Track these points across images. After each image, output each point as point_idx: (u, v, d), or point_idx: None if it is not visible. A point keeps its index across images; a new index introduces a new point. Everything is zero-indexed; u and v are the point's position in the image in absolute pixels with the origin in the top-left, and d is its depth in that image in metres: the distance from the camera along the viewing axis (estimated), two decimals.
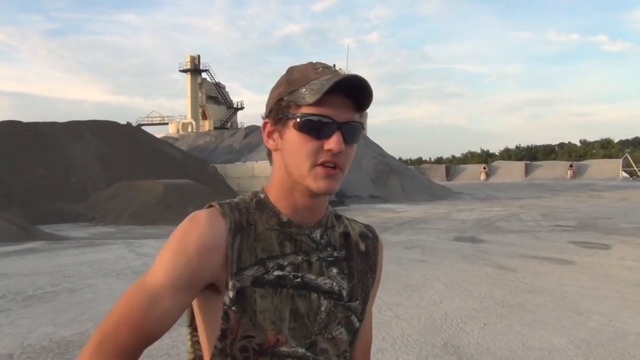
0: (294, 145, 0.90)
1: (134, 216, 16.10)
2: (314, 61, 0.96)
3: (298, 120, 0.89)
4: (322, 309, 0.95)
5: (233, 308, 0.88)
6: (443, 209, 20.69)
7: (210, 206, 0.94)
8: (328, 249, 0.99)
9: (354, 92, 0.89)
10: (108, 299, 6.17)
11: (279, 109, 0.92)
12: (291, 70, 0.95)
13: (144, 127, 39.75)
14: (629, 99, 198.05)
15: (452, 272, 7.78)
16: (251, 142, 33.54)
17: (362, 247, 1.06)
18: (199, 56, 53.29)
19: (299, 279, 0.93)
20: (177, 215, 15.67)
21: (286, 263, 0.93)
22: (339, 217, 1.06)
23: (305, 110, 0.89)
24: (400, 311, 5.62)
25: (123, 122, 30.49)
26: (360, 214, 18.22)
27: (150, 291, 0.87)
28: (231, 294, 0.88)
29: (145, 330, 0.87)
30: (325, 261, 0.97)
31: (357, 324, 1.01)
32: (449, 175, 58.41)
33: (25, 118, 34.90)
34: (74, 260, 9.23)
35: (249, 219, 0.94)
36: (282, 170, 0.94)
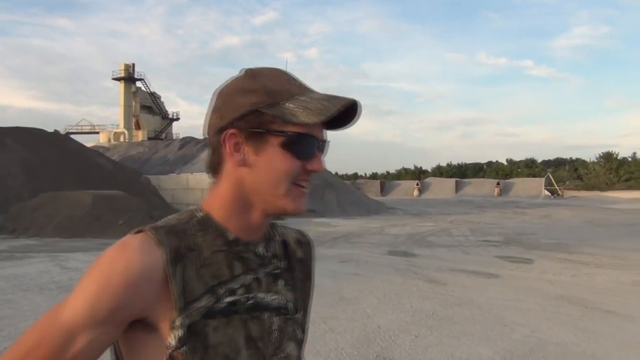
0: (275, 163, 0.84)
1: (59, 228, 15.35)
2: (273, 66, 0.91)
3: (286, 138, 0.83)
4: (274, 327, 0.90)
5: (183, 349, 0.79)
6: (377, 223, 21.05)
7: (141, 231, 0.83)
8: (273, 261, 0.94)
9: (342, 115, 0.85)
10: (30, 315, 5.84)
11: (257, 122, 0.83)
12: (257, 75, 0.86)
13: (73, 136, 38.17)
14: (551, 122, 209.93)
15: (385, 285, 7.92)
16: (186, 153, 32.89)
17: (300, 254, 1.03)
18: (133, 64, 52.04)
19: (251, 301, 0.87)
20: (106, 227, 15.09)
21: (237, 286, 0.86)
22: (273, 225, 1.01)
23: (293, 128, 0.83)
24: (334, 324, 5.66)
25: (51, 129, 29.18)
26: (297, 228, 18.21)
27: (64, 327, 0.77)
28: (179, 333, 0.79)
29: None
30: (272, 275, 0.93)
31: (301, 336, 0.98)
32: (383, 190, 59.54)
33: None
34: None
35: (189, 244, 0.83)
36: (240, 187, 0.86)
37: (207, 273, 0.83)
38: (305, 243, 1.06)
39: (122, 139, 48.08)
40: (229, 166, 0.87)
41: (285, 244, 1.00)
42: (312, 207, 26.65)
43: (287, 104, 0.83)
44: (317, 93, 0.86)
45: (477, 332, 5.48)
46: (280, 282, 0.94)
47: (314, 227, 18.60)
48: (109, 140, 48.03)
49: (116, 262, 0.77)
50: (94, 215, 15.80)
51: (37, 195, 18.10)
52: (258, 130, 0.84)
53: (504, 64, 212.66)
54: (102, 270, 0.78)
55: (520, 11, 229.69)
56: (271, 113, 0.83)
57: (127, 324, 0.80)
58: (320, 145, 0.87)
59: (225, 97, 0.87)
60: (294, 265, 1.00)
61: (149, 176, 28.19)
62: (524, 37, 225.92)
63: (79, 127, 54.53)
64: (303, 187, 0.87)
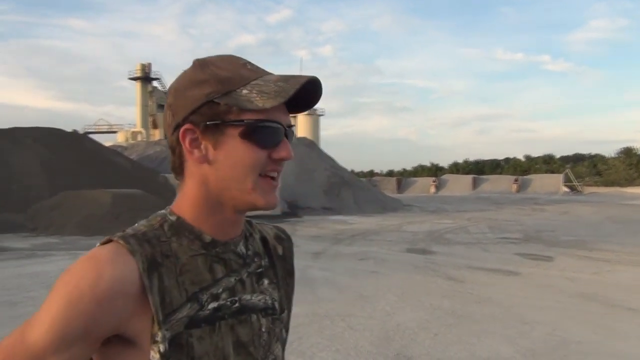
0: (236, 156, 0.78)
1: (79, 227, 15.55)
2: (227, 54, 0.84)
3: (245, 127, 0.77)
4: (263, 329, 0.86)
5: None
6: (394, 221, 20.98)
7: (110, 240, 0.76)
8: (255, 260, 0.89)
9: (302, 95, 0.80)
10: None
11: (212, 113, 0.77)
12: (206, 65, 0.80)
13: (91, 135, 38.63)
14: (569, 117, 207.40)
15: (404, 283, 7.89)
16: None
17: (280, 250, 0.97)
18: (149, 64, 52.48)
19: (236, 304, 0.82)
20: (125, 226, 15.04)
21: (220, 290, 0.80)
22: (250, 223, 0.95)
23: (251, 115, 0.77)
24: (353, 322, 5.65)
25: (69, 129, 29.53)
26: (313, 226, 18.25)
27: (30, 350, 0.72)
28: (162, 347, 0.73)
29: None
30: (255, 274, 0.88)
31: (285, 336, 0.94)
32: (400, 187, 59.30)
33: None
34: (14, 272, 8.83)
35: (163, 250, 0.77)
36: (206, 185, 0.80)
37: (187, 280, 0.77)
38: (284, 239, 1.01)
39: (139, 138, 48.55)
40: (190, 165, 0.81)
41: (264, 241, 0.95)
42: (329, 204, 26.65)
43: (241, 91, 0.77)
44: (273, 75, 0.81)
45: (497, 330, 5.44)
46: (265, 281, 0.89)
47: (330, 225, 18.61)
48: (127, 140, 48.54)
49: (85, 277, 0.71)
50: (114, 213, 15.97)
51: (56, 194, 18.35)
52: (214, 122, 0.78)
53: (520, 59, 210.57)
54: (70, 285, 0.71)
55: (536, 5, 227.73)
56: (225, 102, 0.77)
57: (102, 340, 0.74)
58: (287, 131, 0.81)
59: (176, 92, 0.81)
60: (276, 262, 0.95)
61: (167, 175, 28.38)
62: (540, 31, 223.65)
63: (97, 127, 55.17)
64: (273, 178, 0.81)
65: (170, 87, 0.84)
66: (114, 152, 29.18)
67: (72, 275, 0.72)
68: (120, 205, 16.41)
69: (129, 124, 54.21)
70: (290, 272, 0.99)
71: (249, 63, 0.82)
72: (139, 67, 52.23)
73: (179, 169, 0.83)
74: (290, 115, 0.84)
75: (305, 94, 0.80)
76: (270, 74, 0.82)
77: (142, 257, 0.74)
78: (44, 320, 0.71)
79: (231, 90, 0.77)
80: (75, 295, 0.70)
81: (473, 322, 5.75)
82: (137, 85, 52.41)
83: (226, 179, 0.79)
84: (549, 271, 9.19)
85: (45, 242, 13.87)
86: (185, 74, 0.82)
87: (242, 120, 0.77)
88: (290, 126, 0.83)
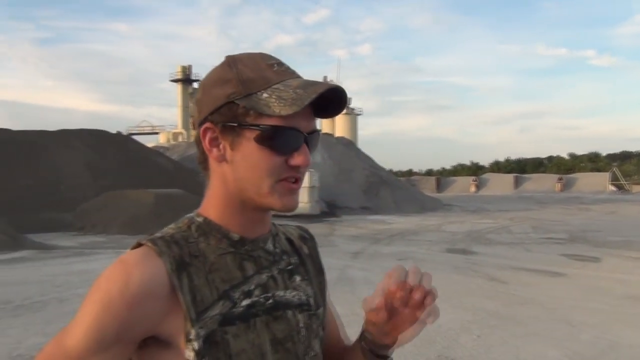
0: (252, 159, 0.77)
1: (124, 226, 15.97)
2: (259, 52, 0.84)
3: (261, 132, 0.76)
4: (301, 325, 0.85)
5: None
6: (434, 220, 20.74)
7: (140, 245, 0.78)
8: (284, 258, 0.89)
9: (326, 101, 0.78)
10: None
11: (231, 115, 0.77)
12: (235, 63, 0.80)
13: (134, 137, 39.65)
14: (616, 113, 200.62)
15: (444, 283, 7.78)
16: None
17: (306, 250, 0.96)
18: (190, 66, 53.49)
19: (270, 300, 0.82)
20: (167, 225, 15.54)
21: (253, 287, 0.80)
22: (273, 224, 0.94)
23: (269, 121, 0.76)
24: None
25: (113, 131, 30.38)
26: (352, 225, 18.22)
27: (69, 355, 0.74)
28: (196, 345, 0.74)
29: None
30: (286, 271, 0.87)
31: (322, 334, 0.92)
32: (439, 187, 58.56)
33: (15, 126, 34.66)
34: (63, 269, 9.14)
35: (191, 251, 0.79)
36: (230, 184, 0.81)
37: (217, 278, 0.78)
38: (308, 239, 1.00)
39: (180, 139, 49.48)
40: (212, 162, 0.82)
41: (290, 241, 0.94)
42: (367, 204, 26.57)
43: (262, 94, 0.76)
44: (297, 79, 0.79)
45: (542, 332, 5.30)
46: (297, 278, 0.89)
47: (369, 225, 18.54)
48: (168, 141, 49.56)
49: (115, 281, 0.72)
50: (156, 213, 16.32)
51: (101, 194, 18.90)
52: (233, 124, 0.77)
53: (563, 55, 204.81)
54: (101, 291, 0.73)
55: None
56: (244, 105, 0.76)
57: (138, 342, 0.76)
58: (307, 138, 0.79)
59: (204, 88, 0.81)
60: (305, 260, 0.94)
61: None
62: (584, 25, 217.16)
63: (140, 128, 56.58)
64: (293, 182, 0.80)
65: (200, 82, 0.85)
66: (156, 152, 29.86)
67: (103, 280, 0.74)
68: (162, 205, 16.76)
69: (171, 125, 55.41)
70: (319, 270, 0.98)
71: (278, 64, 0.81)
72: (179, 69, 53.30)
73: (204, 163, 0.84)
74: (322, 119, 0.83)
75: (330, 100, 0.78)
76: (296, 77, 0.80)
77: (170, 258, 0.75)
78: (79, 326, 0.73)
79: (252, 93, 0.76)
80: (106, 301, 0.72)
81: (517, 323, 5.62)
82: (178, 87, 53.49)
83: (243, 180, 0.79)
84: (596, 272, 8.91)
85: (92, 240, 14.31)
86: (214, 70, 0.82)
87: (259, 125, 0.76)
88: (313, 132, 0.80)
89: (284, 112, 0.74)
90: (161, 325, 0.75)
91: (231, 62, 0.80)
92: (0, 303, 6.47)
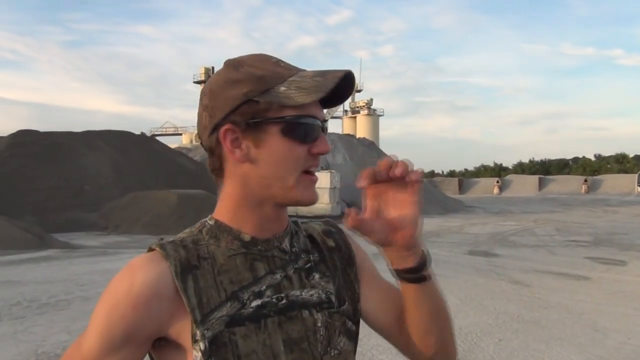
0: (279, 153, 0.79)
1: (147, 226, 16.18)
2: (257, 53, 0.85)
3: (286, 124, 0.78)
4: (319, 324, 0.84)
5: None
6: (456, 222, 20.57)
7: (152, 249, 0.81)
8: (302, 256, 0.88)
9: (337, 89, 0.79)
10: None
11: (253, 112, 0.78)
12: (239, 64, 0.81)
13: (157, 138, 40.11)
14: None
15: (466, 286, 7.71)
16: None
17: (331, 243, 0.95)
18: (213, 67, 53.86)
19: (283, 301, 0.82)
20: (189, 225, 15.69)
21: (264, 287, 0.81)
22: (296, 223, 0.94)
23: (291, 112, 0.78)
24: None
25: (137, 132, 30.81)
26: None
27: (84, 358, 0.77)
28: (202, 346, 0.75)
29: None
30: (304, 270, 0.87)
31: (354, 327, 0.90)
32: (461, 188, 58.05)
33: (42, 128, 35.33)
34: (88, 268, 9.29)
35: (200, 253, 0.80)
36: (251, 184, 0.81)
37: (225, 280, 0.79)
38: (334, 231, 0.98)
39: None
40: (230, 165, 0.82)
41: (311, 238, 0.93)
42: None
43: (279, 88, 0.78)
44: (308, 71, 0.81)
45: (566, 337, 5.21)
46: (316, 275, 0.88)
47: None
48: (191, 142, 49.95)
49: (121, 283, 0.76)
50: (179, 213, 16.49)
51: (125, 195, 19.18)
52: (255, 120, 0.78)
53: (590, 54, 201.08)
54: (109, 293, 0.76)
55: None
56: (265, 100, 0.77)
57: (149, 343, 0.78)
58: (322, 126, 0.82)
59: (212, 93, 0.81)
60: (328, 256, 0.92)
61: None
62: (611, 24, 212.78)
63: (164, 129, 57.25)
64: (312, 174, 0.82)
65: (204, 89, 0.84)
66: (179, 153, 30.15)
67: (111, 284, 0.77)
68: (185, 206, 16.93)
69: (194, 127, 55.79)
70: (350, 262, 0.95)
71: (281, 61, 0.83)
72: (203, 70, 53.79)
73: (218, 170, 0.84)
74: (327, 110, 0.87)
75: (339, 88, 0.79)
76: (304, 70, 0.82)
77: (176, 260, 0.77)
78: (92, 329, 0.77)
79: (269, 88, 0.78)
80: (113, 302, 0.75)
81: (540, 327, 5.54)
82: (201, 88, 54.01)
83: (268, 177, 0.80)
84: (622, 276, 8.73)
85: (116, 240, 14.53)
86: (219, 75, 0.83)
87: (283, 117, 0.78)
88: (325, 120, 0.84)
89: (308, 100, 0.76)
90: (168, 325, 0.77)
91: (235, 64, 0.81)
92: (26, 301, 6.60)
